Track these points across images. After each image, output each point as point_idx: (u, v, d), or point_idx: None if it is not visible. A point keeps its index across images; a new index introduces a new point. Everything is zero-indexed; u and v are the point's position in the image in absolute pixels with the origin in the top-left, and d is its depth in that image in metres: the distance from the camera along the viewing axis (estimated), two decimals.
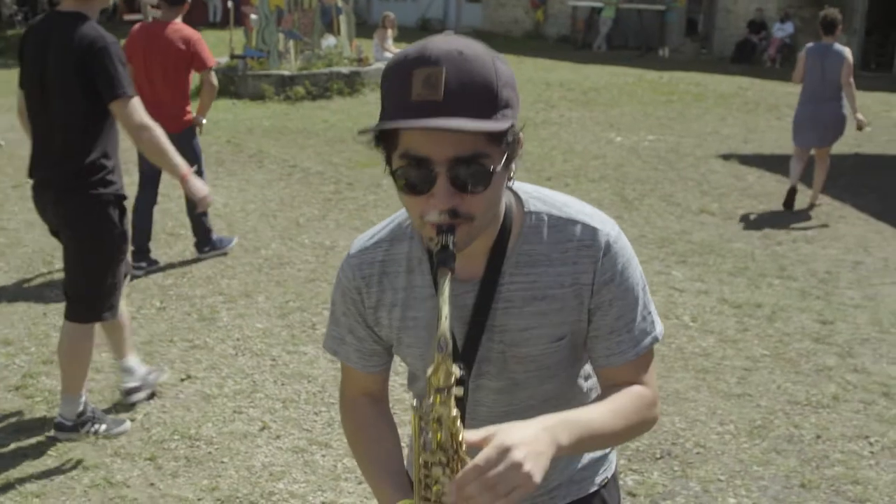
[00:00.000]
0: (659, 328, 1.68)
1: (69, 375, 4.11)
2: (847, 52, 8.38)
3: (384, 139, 1.47)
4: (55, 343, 5.12)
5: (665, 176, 9.90)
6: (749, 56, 22.30)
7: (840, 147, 11.28)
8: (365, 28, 20.71)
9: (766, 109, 14.99)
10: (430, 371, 1.33)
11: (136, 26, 6.67)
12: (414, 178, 1.43)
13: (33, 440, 4.16)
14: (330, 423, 4.38)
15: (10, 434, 4.21)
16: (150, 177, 6.58)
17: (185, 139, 6.29)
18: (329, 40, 16.02)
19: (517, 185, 1.64)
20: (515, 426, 1.37)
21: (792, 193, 8.59)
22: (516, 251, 1.60)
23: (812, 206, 8.69)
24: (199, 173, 6.35)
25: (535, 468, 1.32)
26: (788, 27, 22.20)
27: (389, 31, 16.77)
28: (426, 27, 28.62)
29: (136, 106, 3.88)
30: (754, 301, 6.08)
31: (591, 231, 1.61)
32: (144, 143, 3.97)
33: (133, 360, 4.51)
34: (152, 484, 3.85)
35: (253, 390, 4.71)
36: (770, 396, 4.73)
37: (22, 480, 3.84)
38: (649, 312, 1.66)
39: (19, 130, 11.91)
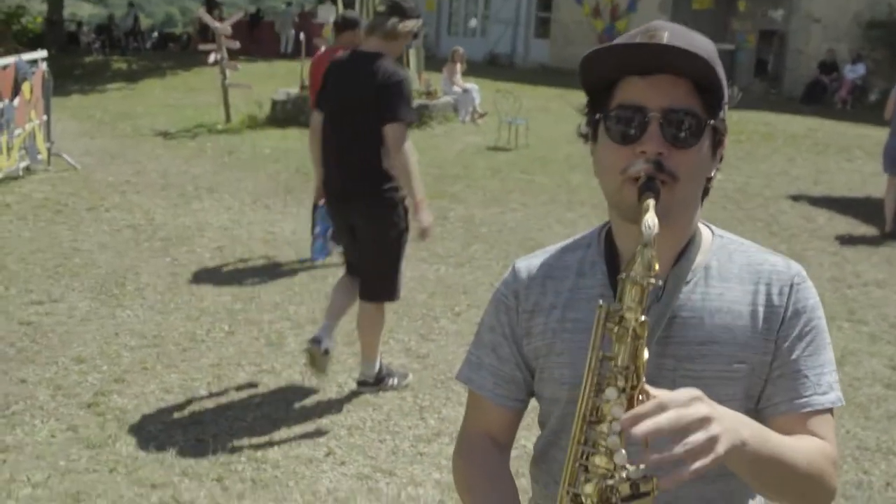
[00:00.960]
0: (840, 394, 1.51)
1: (368, 344, 4.99)
2: None
3: (598, 97, 1.48)
4: (127, 362, 5.26)
5: (733, 216, 9.82)
6: (820, 97, 22.07)
7: None
8: (434, 61, 20.90)
9: (836, 151, 14.80)
10: (627, 263, 1.28)
11: (321, 51, 7.31)
12: (626, 123, 1.41)
13: (103, 457, 4.24)
14: (395, 451, 4.40)
15: (81, 450, 4.29)
16: None
17: None
18: None
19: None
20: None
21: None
22: (703, 264, 1.53)
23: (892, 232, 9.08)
24: None
25: (725, 439, 1.18)
26: (860, 69, 21.95)
27: (458, 66, 16.90)
28: (494, 62, 28.82)
29: (404, 131, 4.62)
30: None
31: (784, 262, 1.55)
32: (400, 163, 4.61)
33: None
34: None
35: (319, 416, 4.75)
36: (839, 442, 4.61)
37: (92, 496, 3.91)
38: (834, 370, 1.52)
39: (95, 154, 12.19)
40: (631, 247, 1.35)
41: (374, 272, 4.86)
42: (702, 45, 1.43)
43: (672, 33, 1.42)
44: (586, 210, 9.84)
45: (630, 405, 1.24)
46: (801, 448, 1.41)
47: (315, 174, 5.30)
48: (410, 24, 4.72)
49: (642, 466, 1.20)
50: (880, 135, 15.78)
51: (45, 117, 10.98)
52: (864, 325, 6.45)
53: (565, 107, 19.31)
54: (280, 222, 8.77)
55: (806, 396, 1.47)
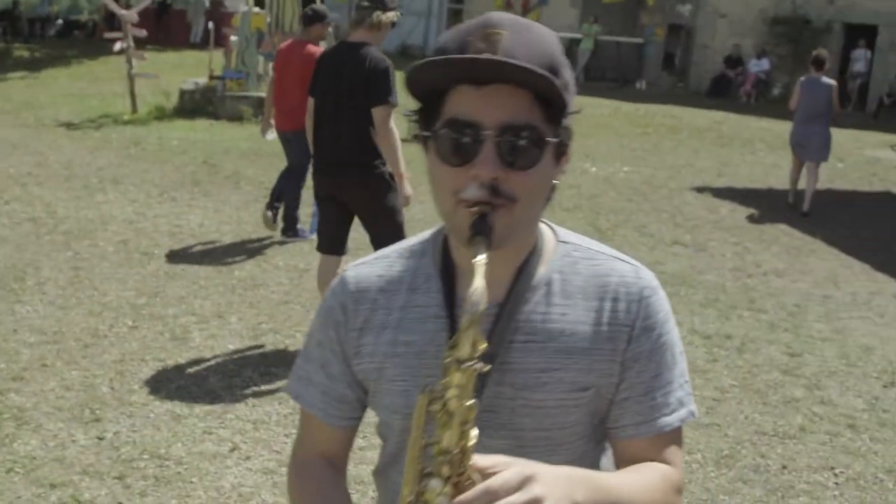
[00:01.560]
0: (694, 406, 1.45)
1: None
2: (834, 84, 10.31)
3: (428, 106, 1.34)
4: (26, 359, 5.14)
5: (639, 207, 9.99)
6: (725, 91, 22.61)
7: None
8: None
9: (740, 144, 15.16)
10: (451, 341, 1.16)
11: (287, 42, 7.85)
12: (457, 142, 1.27)
13: (0, 457, 4.13)
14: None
15: None
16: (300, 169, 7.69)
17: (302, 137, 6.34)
18: None
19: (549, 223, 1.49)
20: (534, 462, 1.18)
21: (794, 194, 10.55)
22: (545, 279, 1.40)
23: (807, 212, 10.07)
24: (299, 176, 7.79)
25: None
26: (764, 63, 22.54)
27: None
28: (406, 53, 28.76)
29: (390, 113, 5.07)
30: (724, 332, 6.14)
31: (634, 270, 1.43)
32: (386, 141, 5.10)
33: None
34: (120, 503, 3.83)
35: (224, 411, 4.70)
36: (738, 427, 4.78)
37: None
38: (686, 382, 1.44)
39: None
40: (467, 265, 1.28)
41: (382, 232, 5.17)
42: (543, 48, 1.30)
43: (512, 34, 1.27)
44: None
45: (457, 491, 1.14)
46: (641, 487, 1.34)
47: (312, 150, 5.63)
48: (391, 16, 5.26)
49: None
50: (782, 128, 16.23)
51: None
52: (764, 313, 6.62)
53: None
54: (186, 215, 8.64)
55: (652, 420, 1.39)
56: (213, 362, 5.29)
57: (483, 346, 1.17)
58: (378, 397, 1.46)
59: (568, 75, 1.33)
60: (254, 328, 5.82)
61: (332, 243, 5.49)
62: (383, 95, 5.04)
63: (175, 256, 7.30)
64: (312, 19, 7.63)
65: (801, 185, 10.56)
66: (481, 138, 1.26)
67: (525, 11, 27.05)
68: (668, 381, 1.40)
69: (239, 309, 6.17)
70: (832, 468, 4.40)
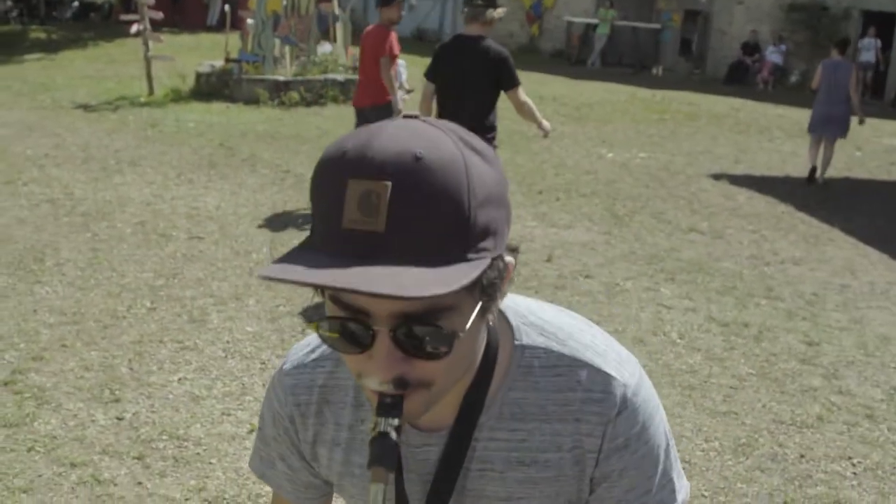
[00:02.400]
0: (681, 496, 1.29)
1: None
2: (853, 66, 11.08)
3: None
4: (45, 340, 5.17)
5: (656, 193, 9.96)
6: (742, 77, 22.48)
7: (830, 171, 11.42)
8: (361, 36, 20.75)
9: (757, 131, 15.09)
10: None
11: (370, 27, 8.37)
12: (347, 332, 1.03)
13: (21, 436, 4.16)
14: None
15: None
16: None
17: (383, 112, 7.67)
18: (325, 47, 16.05)
19: (508, 303, 1.25)
20: None
21: (813, 171, 11.01)
22: (500, 399, 1.21)
23: (819, 181, 10.96)
24: None
25: None
26: (781, 50, 22.39)
27: None
28: (422, 37, 28.71)
29: (521, 89, 6.25)
30: (741, 320, 6.13)
31: (603, 379, 1.21)
32: (527, 107, 6.37)
33: None
34: (140, 483, 3.86)
35: (242, 393, 4.72)
36: (755, 415, 4.77)
37: (9, 476, 3.84)
38: (669, 479, 1.27)
39: (12, 126, 11.96)
40: None
41: None
42: (444, 199, 0.96)
43: (398, 188, 0.95)
44: (512, 187, 9.88)
45: None
46: None
47: None
48: (500, 11, 6.19)
49: None
50: (799, 115, 16.16)
51: None
52: (781, 301, 6.60)
53: None
54: (203, 197, 8.65)
55: None
56: (230, 344, 5.31)
57: None
58: (343, 499, 1.38)
59: (488, 214, 1.00)
60: (271, 310, 5.83)
61: None
62: (514, 80, 6.19)
63: (192, 238, 7.32)
64: (384, 3, 8.02)
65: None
66: (372, 331, 1.01)
67: None
68: (644, 492, 1.25)
69: (256, 291, 6.18)
70: (850, 458, 4.39)
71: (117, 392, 4.64)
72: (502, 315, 1.23)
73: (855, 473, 4.25)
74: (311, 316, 1.08)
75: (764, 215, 9.29)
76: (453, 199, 0.96)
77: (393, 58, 8.04)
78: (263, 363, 5.08)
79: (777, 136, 14.71)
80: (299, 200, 8.68)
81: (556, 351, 1.22)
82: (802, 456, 4.38)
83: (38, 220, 7.58)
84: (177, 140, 11.47)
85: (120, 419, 4.38)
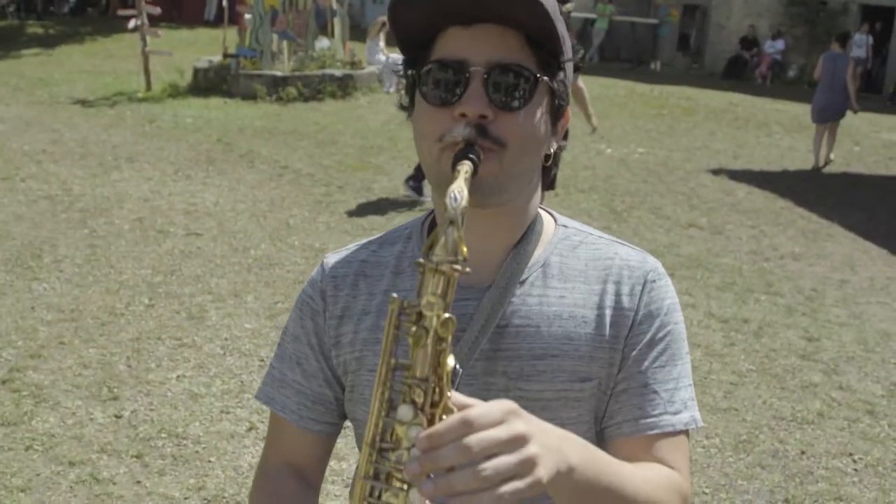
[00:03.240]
0: (698, 413, 1.29)
1: None
2: (852, 58, 12.03)
3: (415, 51, 1.23)
4: (43, 337, 5.15)
5: (654, 189, 9.94)
6: (740, 72, 22.44)
7: (829, 167, 11.42)
8: (358, 31, 20.71)
9: (755, 126, 15.07)
10: (427, 241, 0.98)
11: None
12: (443, 80, 1.17)
13: (19, 434, 4.15)
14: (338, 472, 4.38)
15: None
16: None
17: None
18: (323, 42, 16.02)
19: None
20: None
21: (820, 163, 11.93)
22: (542, 260, 1.28)
23: (826, 163, 11.88)
24: None
25: (545, 460, 0.94)
26: (780, 44, 22.37)
27: (382, 36, 16.76)
28: None
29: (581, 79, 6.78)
30: (741, 316, 6.11)
31: (638, 255, 1.31)
32: (579, 94, 6.92)
33: None
34: (138, 482, 3.84)
35: (241, 390, 4.70)
36: (756, 411, 4.76)
37: (7, 475, 3.83)
38: (691, 385, 1.29)
39: (9, 122, 11.90)
40: None
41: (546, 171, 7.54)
42: None
43: None
44: None
45: (431, 424, 0.95)
46: (643, 479, 1.16)
47: None
48: (569, 6, 6.73)
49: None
50: (798, 110, 16.15)
51: None
52: (781, 297, 6.59)
53: None
54: (202, 193, 8.63)
55: (654, 416, 1.24)
56: (229, 341, 5.29)
57: (465, 250, 0.97)
58: (356, 391, 1.32)
59: (563, 30, 1.21)
60: (270, 307, 5.82)
61: None
62: (576, 66, 7.11)
63: (190, 235, 7.30)
64: None
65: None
66: (469, 76, 1.16)
67: None
68: (673, 377, 1.25)
69: (255, 288, 6.16)
70: (851, 454, 4.38)
71: (116, 390, 4.62)
72: (545, 210, 1.35)
73: (856, 470, 4.24)
74: (408, 76, 1.13)
75: (763, 210, 9.28)
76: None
77: None
78: (262, 360, 5.07)
79: (776, 131, 14.69)
80: (298, 196, 8.66)
81: (595, 233, 1.35)
82: (803, 452, 4.37)
83: (36, 217, 7.56)
84: (174, 136, 11.44)
85: (118, 417, 4.36)
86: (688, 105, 16.77)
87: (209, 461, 4.02)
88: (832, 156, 12.10)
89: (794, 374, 5.25)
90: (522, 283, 1.26)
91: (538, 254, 1.29)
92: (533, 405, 1.12)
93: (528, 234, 1.28)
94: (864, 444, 4.48)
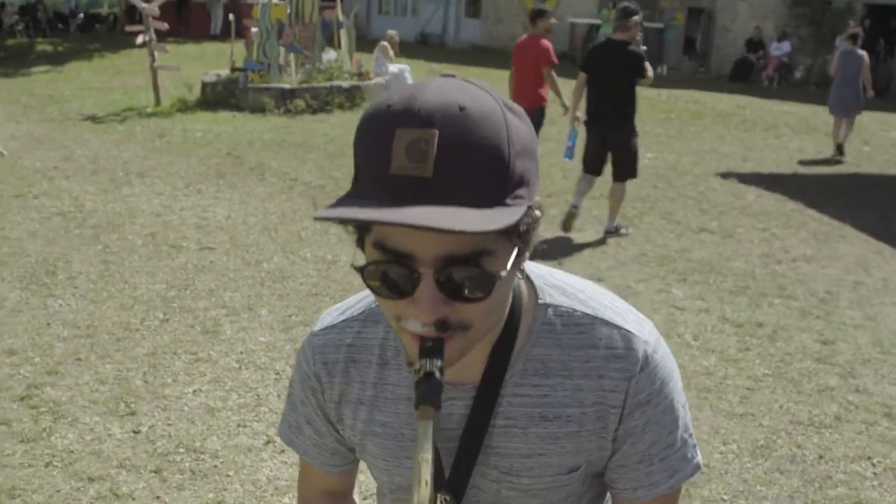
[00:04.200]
0: (699, 455, 1.35)
1: (613, 208, 8.19)
2: (865, 54, 12.78)
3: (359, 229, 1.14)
4: (59, 354, 5.18)
5: (664, 194, 9.94)
6: (747, 75, 22.43)
7: (840, 167, 11.40)
8: (364, 42, 20.78)
9: (763, 128, 15.05)
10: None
11: (524, 37, 9.29)
12: (390, 277, 1.08)
13: (38, 451, 4.17)
14: None
15: (15, 444, 4.21)
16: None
17: (537, 116, 8.86)
18: (329, 54, 16.08)
19: (531, 268, 1.30)
20: None
21: (840, 146, 12.83)
22: (524, 355, 1.26)
23: (842, 150, 12.79)
24: None
25: None
26: (785, 46, 22.35)
27: (391, 50, 16.81)
28: (425, 42, 28.75)
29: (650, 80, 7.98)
30: (755, 320, 6.11)
31: (624, 337, 1.25)
32: (648, 83, 8.01)
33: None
34: (158, 497, 3.86)
35: (257, 404, 4.72)
36: (772, 416, 4.75)
37: (28, 491, 3.84)
38: (690, 435, 1.32)
39: (21, 139, 11.94)
40: None
41: (625, 163, 8.09)
42: (487, 145, 1.02)
43: (445, 135, 1.01)
44: None
45: None
46: None
47: (572, 109, 8.48)
48: (637, 18, 7.89)
49: None
50: (806, 111, 16.15)
51: None
52: (794, 300, 6.58)
53: (495, 86, 19.30)
54: (213, 207, 8.66)
55: (650, 485, 1.30)
56: (244, 355, 5.31)
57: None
58: (366, 464, 1.42)
59: (524, 164, 1.07)
60: (284, 320, 5.83)
61: (593, 166, 8.26)
62: (643, 72, 7.83)
63: (203, 249, 7.33)
64: (537, 15, 9.08)
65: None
66: (417, 274, 1.06)
67: None
68: (667, 446, 1.29)
69: (269, 301, 6.18)
70: (869, 457, 4.37)
71: (133, 405, 4.64)
72: (527, 278, 1.28)
73: (875, 473, 4.23)
74: (358, 265, 1.13)
75: (773, 213, 9.27)
76: (495, 147, 1.02)
77: (552, 65, 8.94)
78: (278, 373, 5.08)
79: (784, 133, 14.67)
80: (308, 208, 8.68)
81: (579, 310, 1.26)
82: (821, 457, 4.36)
83: (50, 233, 7.60)
84: (184, 150, 11.49)
85: (136, 432, 4.38)
86: (695, 109, 16.76)
87: (227, 475, 4.03)
88: (845, 157, 12.64)
89: (809, 378, 5.24)
90: (505, 383, 1.26)
91: (518, 348, 1.26)
92: (524, 495, 1.27)
93: (508, 330, 1.25)
94: (882, 447, 4.47)
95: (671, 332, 5.82)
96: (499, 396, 1.25)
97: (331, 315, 1.39)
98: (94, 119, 13.90)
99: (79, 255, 7.03)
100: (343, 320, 1.36)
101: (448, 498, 1.24)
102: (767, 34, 22.81)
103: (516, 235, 1.08)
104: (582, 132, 8.35)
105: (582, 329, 1.25)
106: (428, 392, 1.07)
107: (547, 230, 8.17)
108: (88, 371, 5.02)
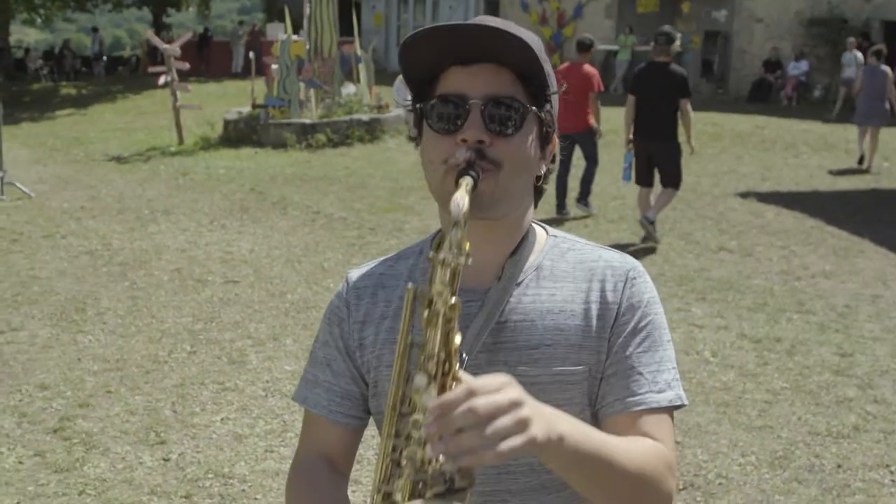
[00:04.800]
0: (683, 394, 1.44)
1: (660, 207, 8.80)
2: (889, 71, 13.34)
3: (422, 87, 1.44)
4: (90, 387, 5.30)
5: (683, 215, 10.01)
6: (765, 95, 22.46)
7: (858, 183, 11.42)
8: (383, 75, 21.02)
9: (782, 148, 15.09)
10: (435, 241, 1.32)
11: (566, 64, 10.34)
12: (446, 112, 1.38)
13: (72, 480, 4.28)
14: (359, 459, 4.48)
15: (49, 475, 4.33)
16: (566, 155, 10.01)
17: (588, 135, 9.93)
18: (349, 88, 16.29)
19: (542, 225, 1.58)
20: None
21: (862, 157, 13.45)
22: (536, 265, 1.48)
23: (869, 166, 13.27)
24: (595, 162, 10.24)
25: (538, 423, 1.09)
26: (803, 65, 22.35)
27: None
28: None
29: (689, 101, 8.62)
30: (774, 335, 6.16)
31: (620, 257, 1.50)
32: (688, 116, 8.61)
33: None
34: None
35: (283, 430, 4.82)
36: (791, 428, 4.81)
37: None
38: (675, 368, 1.45)
39: (48, 181, 12.18)
40: None
41: (672, 173, 8.82)
42: (527, 36, 1.38)
43: (496, 21, 1.37)
44: (539, 215, 9.97)
45: (443, 393, 1.11)
46: (630, 449, 1.31)
47: (626, 132, 9.05)
48: (676, 45, 8.72)
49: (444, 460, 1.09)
50: (824, 130, 16.18)
51: None
52: (813, 314, 6.62)
53: None
54: (237, 241, 8.81)
55: (639, 394, 1.40)
56: (270, 383, 5.42)
57: (467, 245, 1.17)
58: (378, 386, 1.49)
59: (549, 67, 1.43)
60: (308, 349, 5.92)
61: (644, 179, 8.95)
62: (687, 93, 8.52)
63: (228, 282, 7.47)
64: (585, 47, 10.16)
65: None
66: (468, 108, 1.36)
67: (560, 25, 27.20)
68: (655, 360, 1.42)
69: (293, 331, 6.30)
70: (888, 466, 4.41)
71: (162, 434, 4.76)
72: (538, 224, 1.54)
73: (893, 481, 4.27)
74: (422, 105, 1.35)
75: (793, 231, 9.32)
76: (535, 39, 1.38)
77: (600, 92, 10.02)
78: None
79: (803, 152, 14.71)
80: (331, 240, 8.82)
81: (582, 241, 1.54)
82: (839, 466, 4.41)
83: (78, 272, 7.77)
84: (208, 187, 11.69)
85: (166, 460, 4.49)
86: (714, 131, 16.80)
87: (255, 499, 4.13)
88: (872, 166, 13.28)
89: (828, 390, 5.29)
90: (518, 284, 1.45)
91: (532, 259, 1.48)
92: (530, 388, 1.24)
93: (522, 244, 1.48)
94: None
95: (690, 349, 5.88)
96: (510, 294, 1.43)
97: (364, 263, 1.62)
98: (118, 159, 14.15)
99: (107, 292, 7.19)
100: (379, 261, 1.60)
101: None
102: (785, 54, 22.85)
103: (544, 108, 1.43)
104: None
105: (584, 252, 1.51)
106: (466, 170, 1.32)
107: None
108: (119, 403, 5.14)
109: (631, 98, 8.90)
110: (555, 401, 1.29)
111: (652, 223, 8.67)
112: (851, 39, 19.61)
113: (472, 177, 1.30)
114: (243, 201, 10.73)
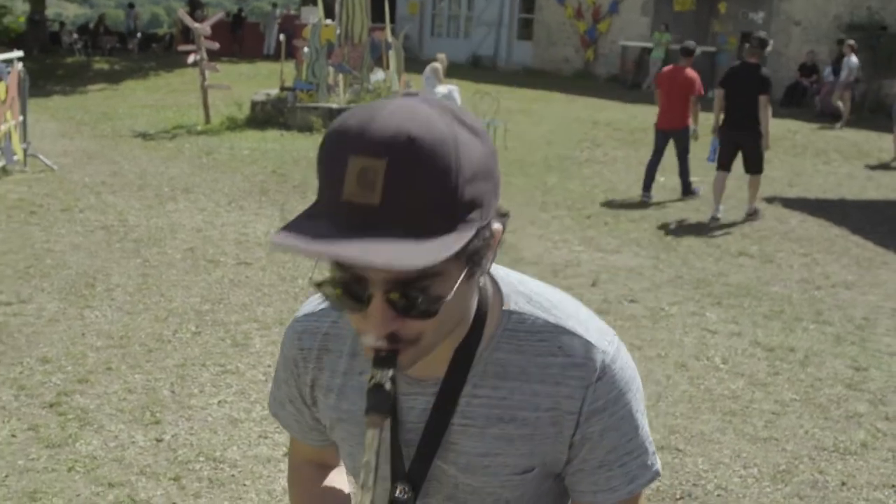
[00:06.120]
0: (659, 463, 1.39)
1: (752, 196, 10.03)
2: None
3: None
4: (91, 363, 5.27)
5: (705, 217, 9.86)
6: (799, 100, 22.16)
7: (881, 194, 11.22)
8: (416, 63, 20.92)
9: (813, 154, 14.89)
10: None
11: (669, 67, 11.36)
12: (345, 294, 1.15)
13: (62, 456, 4.25)
14: None
15: (40, 449, 4.30)
16: (660, 147, 11.00)
17: (684, 133, 10.89)
18: (378, 74, 16.22)
19: (500, 273, 1.36)
20: None
21: None
22: (485, 358, 1.31)
23: None
24: (687, 156, 11.07)
25: None
26: (853, 61, 21.99)
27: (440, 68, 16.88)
28: (477, 64, 28.85)
29: (769, 98, 9.57)
30: (788, 345, 6.04)
31: (583, 346, 1.30)
32: (766, 112, 9.51)
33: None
34: (174, 503, 3.91)
35: None
36: (797, 441, 4.70)
37: (49, 495, 3.92)
38: (650, 443, 1.37)
39: (72, 155, 12.22)
40: None
41: (755, 160, 9.84)
42: (435, 176, 1.06)
43: (393, 166, 1.05)
44: (561, 212, 9.88)
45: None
46: None
47: (714, 120, 10.01)
48: (769, 47, 9.74)
49: None
50: (857, 137, 15.95)
51: (21, 118, 10.95)
52: (830, 325, 6.49)
53: (545, 108, 19.35)
54: (253, 223, 8.78)
55: (609, 489, 1.34)
56: (271, 368, 5.37)
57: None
58: (335, 438, 1.49)
59: (475, 188, 1.10)
60: None
61: (726, 163, 9.91)
62: (767, 90, 9.46)
63: (240, 264, 7.43)
64: (688, 52, 11.02)
65: None
66: (368, 294, 1.12)
67: (596, 20, 27.00)
68: (626, 452, 1.33)
69: None
70: (894, 485, 4.30)
71: (158, 414, 4.72)
72: (495, 283, 1.33)
73: None
74: (317, 278, 1.21)
75: (816, 238, 9.16)
76: (442, 177, 1.06)
77: (700, 95, 10.82)
78: None
79: (834, 159, 14.50)
80: None
81: (542, 318, 1.31)
82: (844, 483, 4.30)
83: (92, 247, 7.75)
84: (230, 167, 11.66)
85: (159, 441, 4.45)
86: None
87: (244, 484, 4.08)
88: None
89: (838, 404, 5.17)
90: (466, 383, 1.31)
91: (481, 350, 1.31)
92: (479, 491, 1.33)
93: (471, 334, 1.30)
94: None
95: (701, 354, 5.77)
96: (459, 395, 1.31)
97: (313, 302, 1.45)
98: (144, 136, 14.16)
99: (118, 268, 7.16)
100: (322, 309, 1.42)
101: (407, 488, 1.30)
102: (821, 59, 22.55)
103: (466, 258, 1.13)
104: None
105: (543, 337, 1.30)
106: (377, 403, 1.16)
107: (584, 251, 8.17)
108: (118, 380, 5.11)
109: (719, 91, 9.87)
110: (504, 499, 1.34)
111: (754, 212, 9.89)
112: (851, 42, 19.25)
113: (390, 367, 1.17)
114: (264, 183, 10.69)
